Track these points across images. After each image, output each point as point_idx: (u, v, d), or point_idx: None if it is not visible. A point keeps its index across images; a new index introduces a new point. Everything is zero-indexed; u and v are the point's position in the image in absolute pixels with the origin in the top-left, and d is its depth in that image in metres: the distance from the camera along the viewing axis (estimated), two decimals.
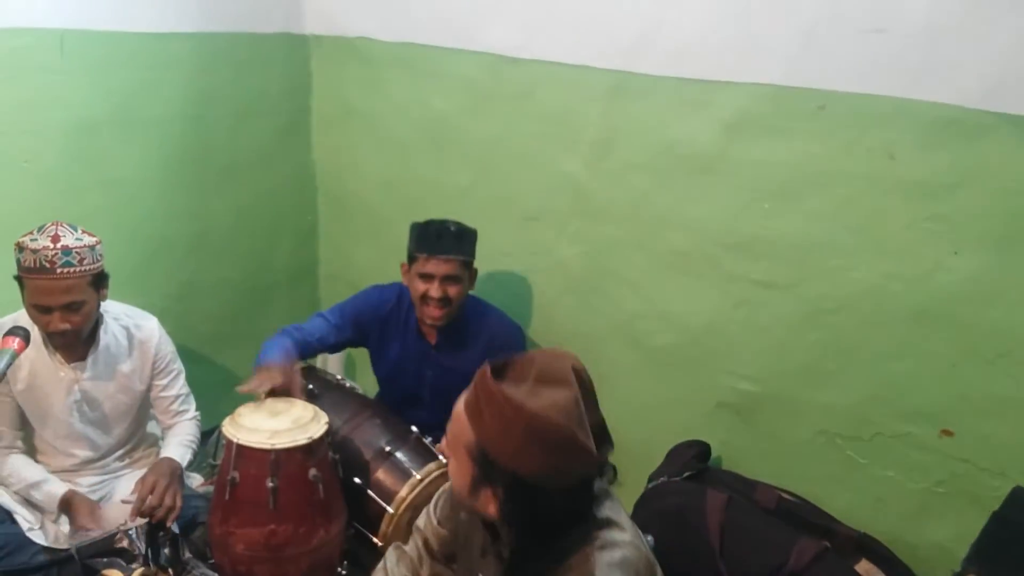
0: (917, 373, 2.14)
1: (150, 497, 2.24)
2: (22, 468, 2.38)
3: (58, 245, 2.16)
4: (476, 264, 2.62)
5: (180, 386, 2.60)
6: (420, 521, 1.95)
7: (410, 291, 2.63)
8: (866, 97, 2.08)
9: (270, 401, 2.31)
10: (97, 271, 2.27)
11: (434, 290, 2.52)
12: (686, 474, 2.36)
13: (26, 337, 2.10)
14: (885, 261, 2.14)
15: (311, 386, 2.45)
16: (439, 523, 1.88)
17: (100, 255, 2.27)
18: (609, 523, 1.53)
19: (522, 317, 2.84)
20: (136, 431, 2.61)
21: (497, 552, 1.59)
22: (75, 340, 2.32)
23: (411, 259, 2.59)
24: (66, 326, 2.21)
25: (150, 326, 2.52)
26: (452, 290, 2.54)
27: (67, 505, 2.34)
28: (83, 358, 2.38)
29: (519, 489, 1.43)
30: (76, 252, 2.19)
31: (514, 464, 1.42)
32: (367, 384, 3.17)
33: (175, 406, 2.59)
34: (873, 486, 2.26)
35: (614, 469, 1.63)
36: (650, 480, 2.43)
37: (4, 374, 2.00)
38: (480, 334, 2.66)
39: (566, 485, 1.45)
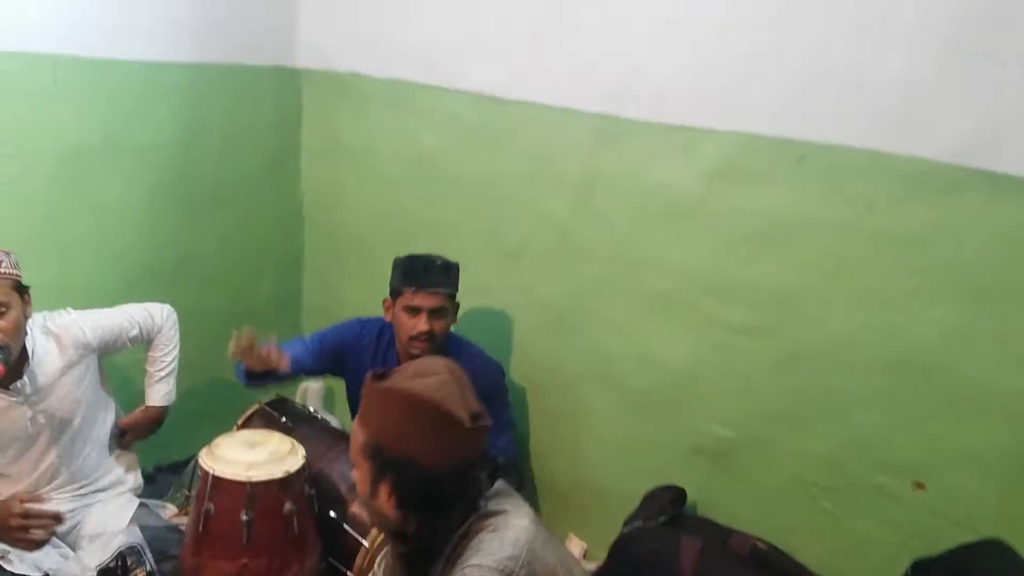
0: (890, 423, 2.15)
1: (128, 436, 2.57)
2: None
3: None
4: (458, 298, 2.62)
5: (129, 314, 2.51)
6: None
7: (394, 327, 2.58)
8: (845, 149, 2.11)
9: (248, 432, 2.31)
10: (17, 277, 2.19)
11: (422, 324, 2.47)
12: (662, 519, 2.36)
13: (5, 360, 2.08)
14: (861, 311, 2.16)
15: (284, 419, 2.44)
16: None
17: (15, 264, 2.20)
18: (504, 512, 1.60)
19: (500, 354, 2.84)
20: (99, 449, 2.52)
21: (403, 555, 1.69)
22: (9, 354, 2.18)
23: (395, 293, 2.55)
24: None
25: (63, 315, 2.41)
26: (438, 324, 2.50)
27: None
28: (20, 376, 2.28)
29: (408, 472, 1.53)
30: None
31: (400, 447, 1.53)
32: (345, 418, 3.16)
33: (142, 327, 2.53)
34: (846, 537, 2.26)
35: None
36: (625, 523, 2.42)
37: None
38: None
39: (450, 466, 1.54)
